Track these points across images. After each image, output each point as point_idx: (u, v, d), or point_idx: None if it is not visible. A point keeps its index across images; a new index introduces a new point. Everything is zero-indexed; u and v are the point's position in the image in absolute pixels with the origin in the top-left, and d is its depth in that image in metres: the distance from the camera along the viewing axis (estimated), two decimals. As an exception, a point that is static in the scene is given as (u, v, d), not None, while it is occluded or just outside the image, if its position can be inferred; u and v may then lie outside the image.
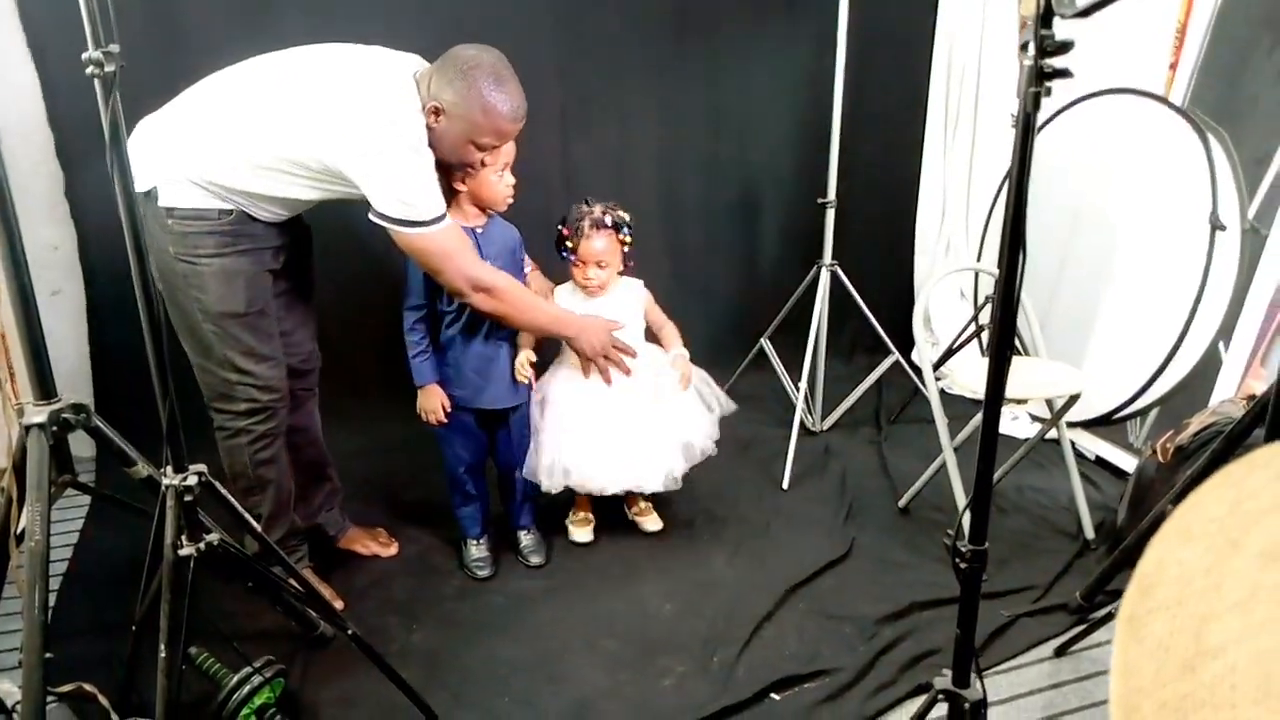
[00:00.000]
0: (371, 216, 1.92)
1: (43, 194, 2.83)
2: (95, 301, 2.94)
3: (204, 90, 1.97)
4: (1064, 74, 1.09)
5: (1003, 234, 1.21)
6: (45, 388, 1.75)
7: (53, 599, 2.30)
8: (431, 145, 1.96)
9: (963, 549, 1.31)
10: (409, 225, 1.90)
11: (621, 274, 2.41)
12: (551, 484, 2.36)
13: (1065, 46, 1.07)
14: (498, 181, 2.15)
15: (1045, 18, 1.06)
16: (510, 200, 2.20)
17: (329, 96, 1.88)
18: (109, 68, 1.38)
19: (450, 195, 2.17)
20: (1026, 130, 1.11)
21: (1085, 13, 1.03)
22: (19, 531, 1.79)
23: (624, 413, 2.35)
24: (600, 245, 2.32)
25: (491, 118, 1.92)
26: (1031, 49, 1.08)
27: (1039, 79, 1.08)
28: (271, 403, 2.08)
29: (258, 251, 2.02)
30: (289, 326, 2.23)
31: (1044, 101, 1.12)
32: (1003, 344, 1.16)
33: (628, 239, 2.36)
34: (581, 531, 2.53)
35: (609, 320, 2.31)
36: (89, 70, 1.38)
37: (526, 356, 2.30)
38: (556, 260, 2.44)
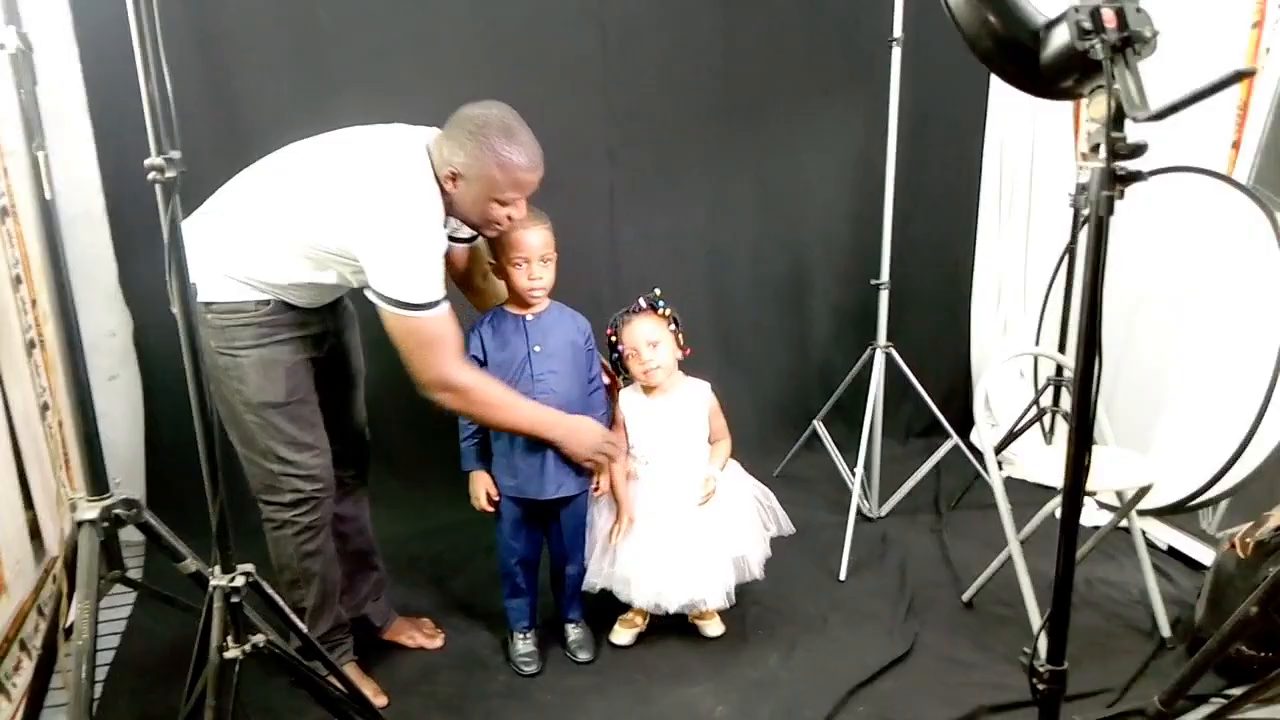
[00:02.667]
0: (367, 293, 1.90)
1: (102, 281, 2.89)
2: (151, 387, 2.98)
3: (234, 186, 2.01)
4: (1137, 177, 1.05)
5: (1079, 335, 1.16)
6: (98, 483, 1.75)
7: (99, 689, 2.27)
8: (454, 210, 1.96)
9: (1040, 669, 1.23)
10: (400, 306, 1.86)
11: (682, 363, 2.38)
12: (606, 584, 2.32)
13: (1139, 150, 1.03)
14: (518, 273, 2.13)
15: (1117, 120, 1.03)
16: (535, 293, 2.17)
17: (343, 180, 1.89)
18: (170, 173, 1.40)
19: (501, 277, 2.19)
20: (1099, 235, 1.06)
21: (1159, 116, 0.99)
22: (68, 625, 1.77)
23: (683, 525, 2.30)
24: (643, 327, 2.29)
25: (508, 171, 1.90)
26: (1103, 152, 1.04)
27: (1112, 182, 1.04)
28: (316, 492, 2.06)
29: (297, 340, 2.02)
30: (337, 413, 2.22)
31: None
32: (1077, 481, 1.10)
33: (669, 311, 2.32)
34: (625, 634, 2.44)
35: (596, 423, 2.22)
36: (150, 175, 1.40)
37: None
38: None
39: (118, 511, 1.74)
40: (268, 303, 1.96)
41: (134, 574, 2.54)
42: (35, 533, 2.38)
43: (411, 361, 1.93)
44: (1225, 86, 0.91)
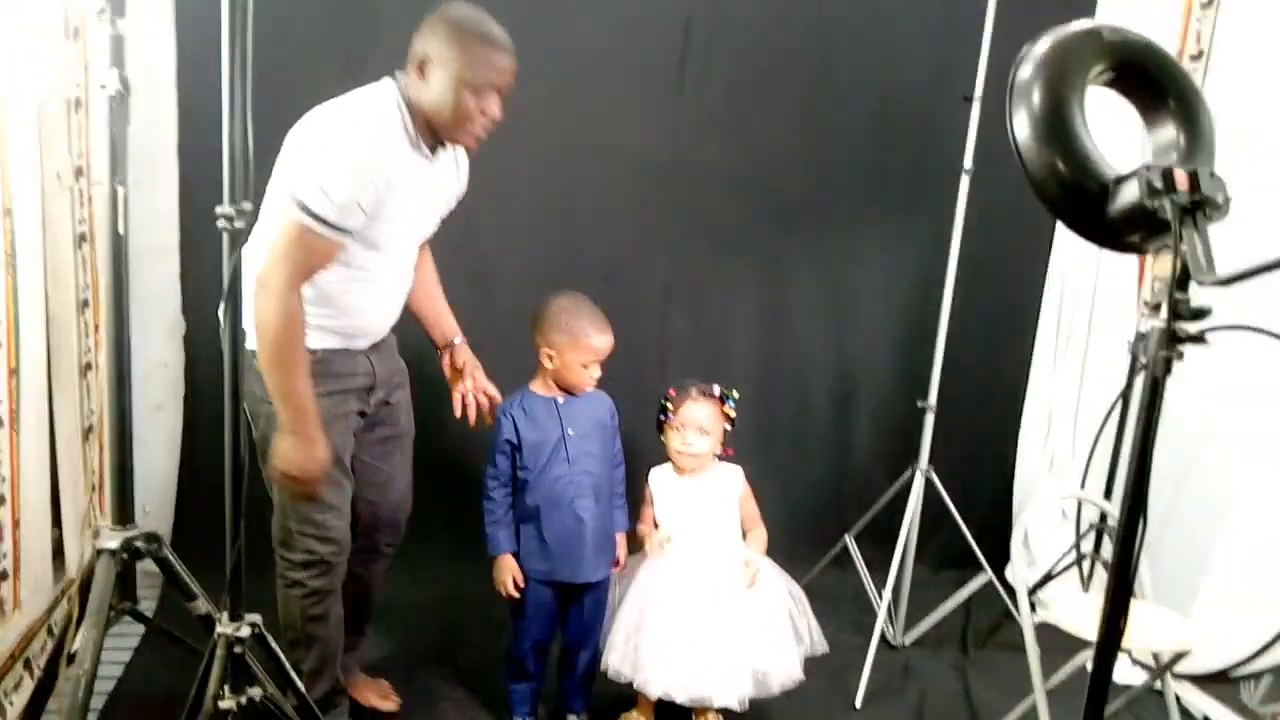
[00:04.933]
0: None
1: (165, 313, 2.96)
2: (194, 422, 3.02)
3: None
4: (1198, 340, 1.02)
5: (1124, 492, 1.12)
6: (125, 513, 1.76)
7: (94, 718, 2.26)
8: (427, 109, 1.86)
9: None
10: (299, 208, 1.73)
11: (720, 458, 2.37)
12: (619, 668, 2.23)
13: (1201, 313, 1.01)
14: (583, 372, 2.17)
15: (1181, 281, 1.01)
16: (588, 389, 2.22)
17: (317, 128, 1.84)
18: (238, 223, 1.44)
19: None
20: (1154, 396, 1.03)
21: (1227, 282, 0.97)
22: (73, 651, 1.77)
23: (709, 615, 2.23)
24: (703, 412, 2.29)
25: (478, 49, 1.82)
26: (1164, 311, 1.02)
27: (1171, 343, 1.02)
28: (329, 555, 2.02)
29: (340, 394, 1.99)
30: (386, 475, 2.21)
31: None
32: (1111, 646, 1.05)
33: (732, 412, 2.33)
34: (631, 733, 2.37)
35: (328, 455, 1.89)
36: (220, 223, 1.45)
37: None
38: (640, 438, 2.41)
39: (138, 544, 1.75)
40: (314, 352, 1.90)
41: (148, 606, 2.57)
42: (59, 551, 2.40)
43: (269, 256, 1.77)
44: (1296, 261, 0.89)
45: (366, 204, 1.78)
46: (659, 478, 2.37)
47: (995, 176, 2.89)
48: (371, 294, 1.99)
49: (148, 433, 2.96)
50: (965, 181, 2.72)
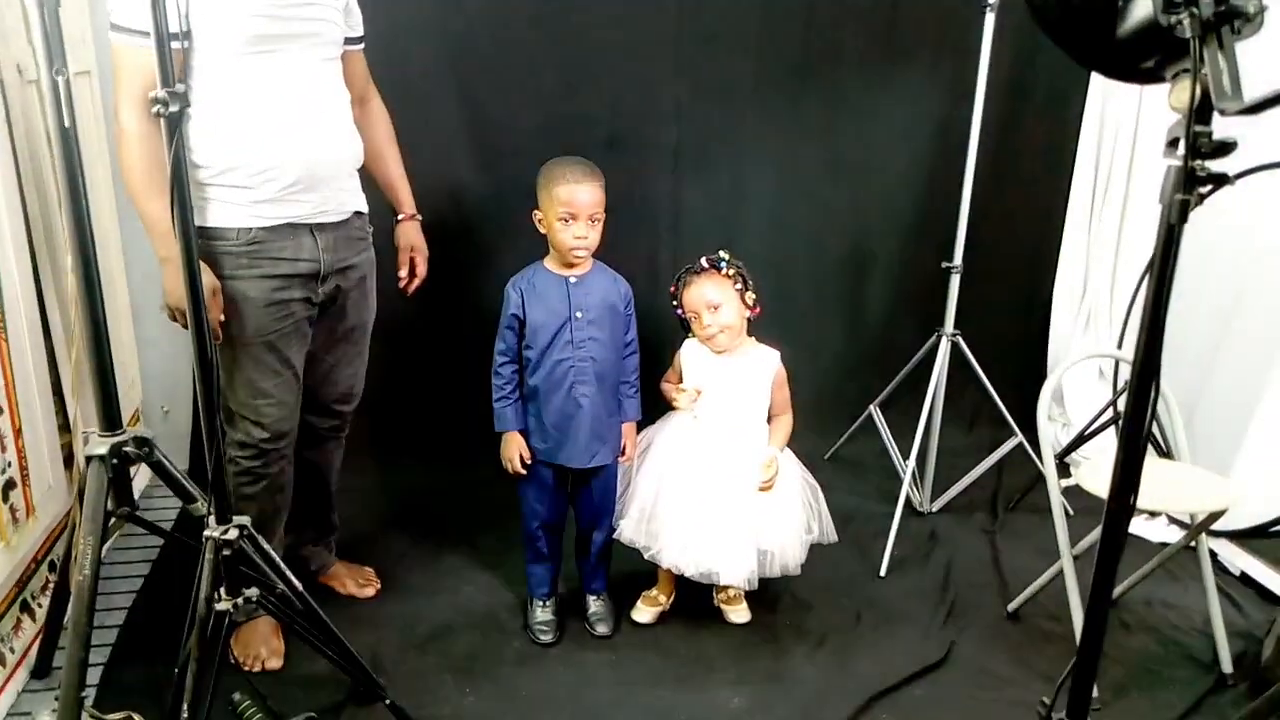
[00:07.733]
0: None
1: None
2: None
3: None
4: (1221, 180, 0.89)
5: (1138, 346, 1.01)
6: (110, 419, 1.72)
7: (122, 616, 2.30)
8: None
9: (1059, 724, 1.11)
10: (112, 27, 1.75)
11: (751, 320, 2.26)
12: (634, 537, 2.23)
13: (1225, 148, 0.87)
14: (564, 229, 2.05)
15: (1201, 112, 0.87)
16: (578, 252, 2.08)
17: None
18: (173, 107, 1.34)
19: None
20: (1169, 246, 0.91)
21: (1254, 109, 0.83)
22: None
23: (724, 492, 2.19)
24: (701, 290, 2.17)
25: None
26: (1181, 148, 0.89)
27: (1189, 185, 0.89)
28: (262, 442, 2.01)
29: (277, 279, 1.94)
30: (329, 365, 2.18)
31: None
32: (1125, 488, 0.96)
33: (730, 271, 2.19)
34: (646, 611, 2.36)
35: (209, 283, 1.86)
36: (154, 110, 1.34)
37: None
38: (652, 317, 2.32)
39: (128, 449, 1.72)
40: (249, 230, 1.89)
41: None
42: (72, 457, 2.40)
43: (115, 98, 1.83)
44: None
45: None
46: (692, 350, 2.28)
47: (1022, 10, 2.67)
48: (275, 120, 1.87)
49: (160, 335, 2.93)
50: (990, 18, 2.51)
